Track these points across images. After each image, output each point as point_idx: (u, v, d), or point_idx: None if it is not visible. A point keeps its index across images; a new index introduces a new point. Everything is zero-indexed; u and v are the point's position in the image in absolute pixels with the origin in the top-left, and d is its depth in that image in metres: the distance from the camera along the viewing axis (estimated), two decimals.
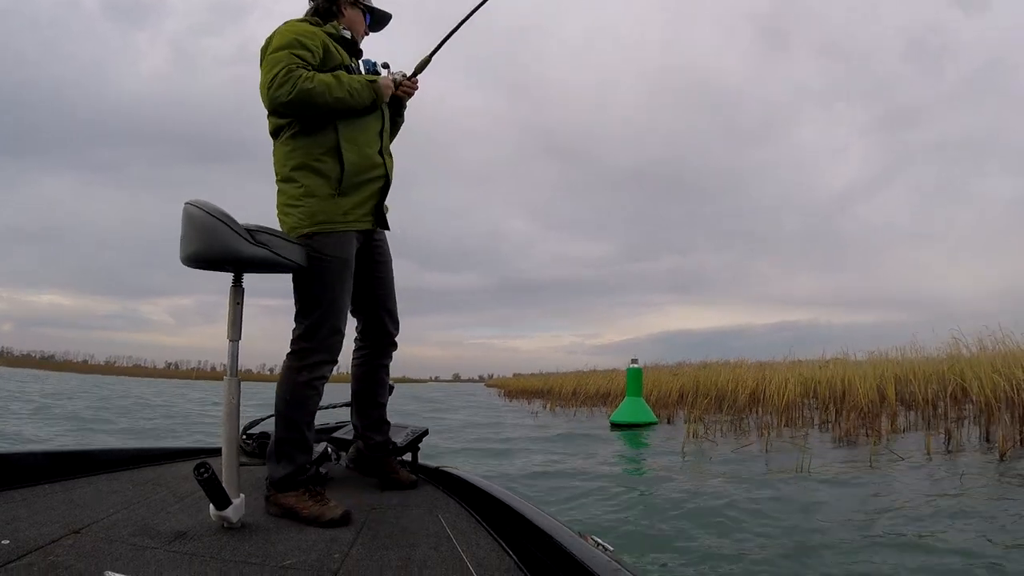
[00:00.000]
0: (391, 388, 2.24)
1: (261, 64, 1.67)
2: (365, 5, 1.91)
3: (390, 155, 1.87)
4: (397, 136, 2.01)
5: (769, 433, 6.20)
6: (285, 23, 1.73)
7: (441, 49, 1.90)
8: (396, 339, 1.95)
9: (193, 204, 1.42)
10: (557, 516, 1.29)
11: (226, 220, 1.41)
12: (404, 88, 1.89)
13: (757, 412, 8.68)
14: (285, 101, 1.61)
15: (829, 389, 7.92)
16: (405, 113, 2.00)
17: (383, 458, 1.93)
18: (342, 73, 1.71)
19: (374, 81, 1.77)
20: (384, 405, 1.95)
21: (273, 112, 1.67)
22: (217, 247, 1.40)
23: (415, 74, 1.92)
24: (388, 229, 1.89)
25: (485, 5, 1.87)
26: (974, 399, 6.25)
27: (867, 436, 6.04)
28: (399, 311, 1.97)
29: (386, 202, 1.85)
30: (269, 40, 1.68)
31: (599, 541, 1.20)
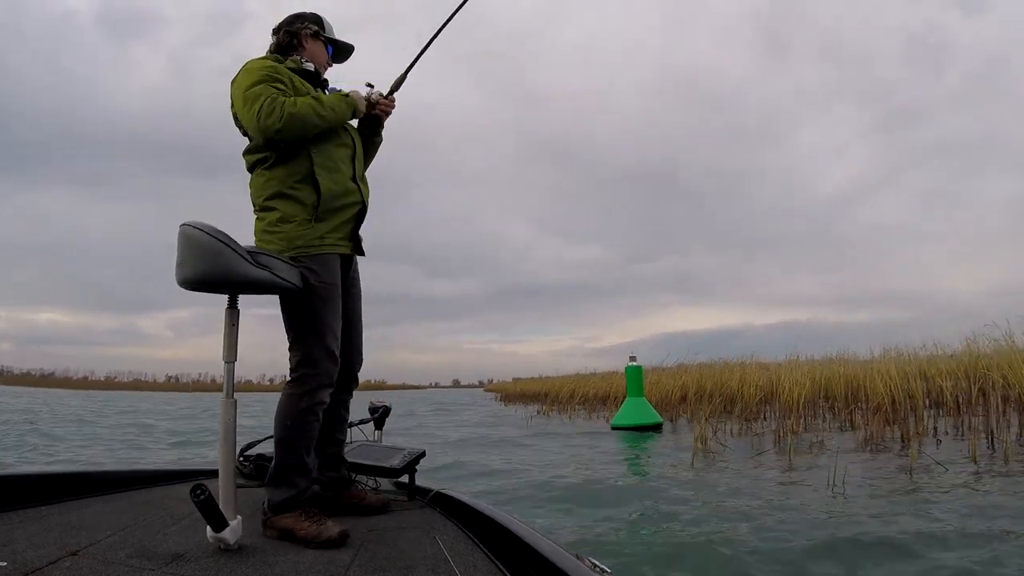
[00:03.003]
0: (387, 409, 2.31)
1: (236, 102, 1.74)
2: (326, 38, 1.95)
3: (365, 182, 1.92)
4: (375, 156, 2.07)
5: (787, 438, 5.54)
6: (249, 62, 1.80)
7: (419, 63, 2.00)
8: (357, 375, 1.97)
9: (191, 225, 1.42)
10: (555, 538, 1.30)
11: (228, 242, 1.43)
12: (381, 107, 1.96)
13: (766, 414, 8.00)
14: (279, 127, 1.66)
15: (847, 388, 7.24)
16: (383, 133, 2.06)
17: (342, 491, 1.93)
18: (319, 93, 1.82)
19: (347, 95, 1.86)
20: (342, 443, 1.96)
21: (267, 142, 1.71)
22: (220, 270, 1.42)
23: (391, 92, 1.98)
24: (363, 255, 1.93)
25: (455, 21, 2.02)
26: (1012, 396, 5.59)
27: (895, 440, 5.41)
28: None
29: (360, 230, 1.90)
30: (238, 79, 1.75)
31: (597, 563, 1.21)
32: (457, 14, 2.01)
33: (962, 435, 5.75)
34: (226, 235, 1.43)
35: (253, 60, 1.80)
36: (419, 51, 1.99)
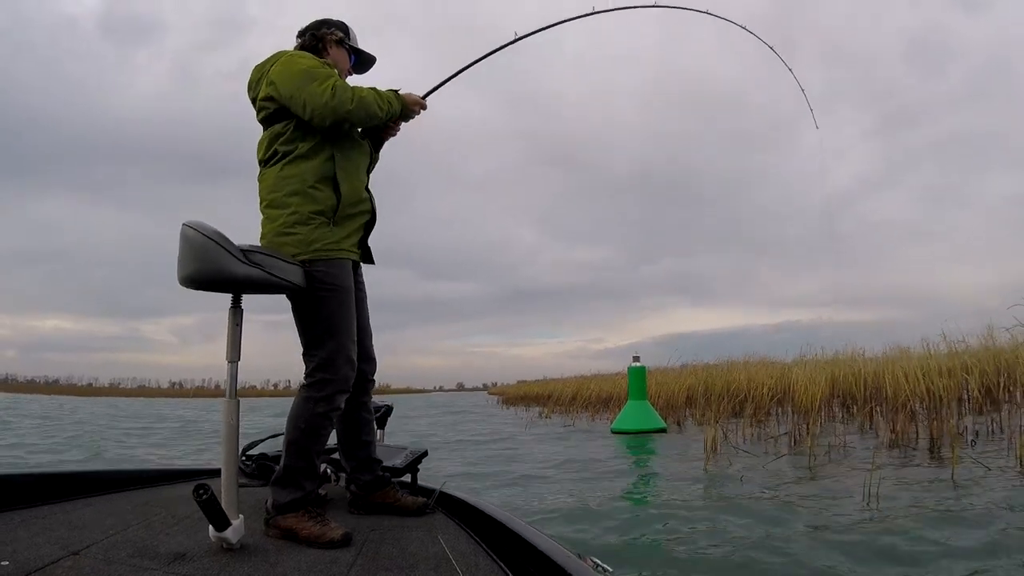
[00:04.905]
0: (389, 409, 2.28)
1: (293, 79, 1.70)
2: (351, 46, 1.96)
3: (371, 194, 1.92)
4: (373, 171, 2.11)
5: (806, 441, 5.11)
6: (297, 51, 1.81)
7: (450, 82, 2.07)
8: (373, 377, 1.95)
9: (189, 225, 1.45)
10: (557, 538, 1.29)
11: (220, 241, 1.44)
12: (389, 128, 2.00)
13: (779, 415, 7.55)
14: (350, 108, 1.68)
15: (864, 387, 6.82)
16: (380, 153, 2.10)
17: (378, 491, 1.92)
18: (374, 87, 1.83)
19: (399, 92, 1.88)
20: (370, 443, 1.94)
21: (332, 124, 1.70)
22: (210, 268, 1.44)
23: (400, 120, 2.01)
24: (373, 263, 1.94)
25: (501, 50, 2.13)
26: None
27: (923, 440, 5.01)
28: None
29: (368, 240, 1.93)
30: (291, 61, 1.74)
31: (598, 563, 1.22)
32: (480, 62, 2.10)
33: (992, 433, 5.38)
34: (220, 234, 1.44)
35: (300, 52, 1.82)
36: (433, 87, 2.05)
